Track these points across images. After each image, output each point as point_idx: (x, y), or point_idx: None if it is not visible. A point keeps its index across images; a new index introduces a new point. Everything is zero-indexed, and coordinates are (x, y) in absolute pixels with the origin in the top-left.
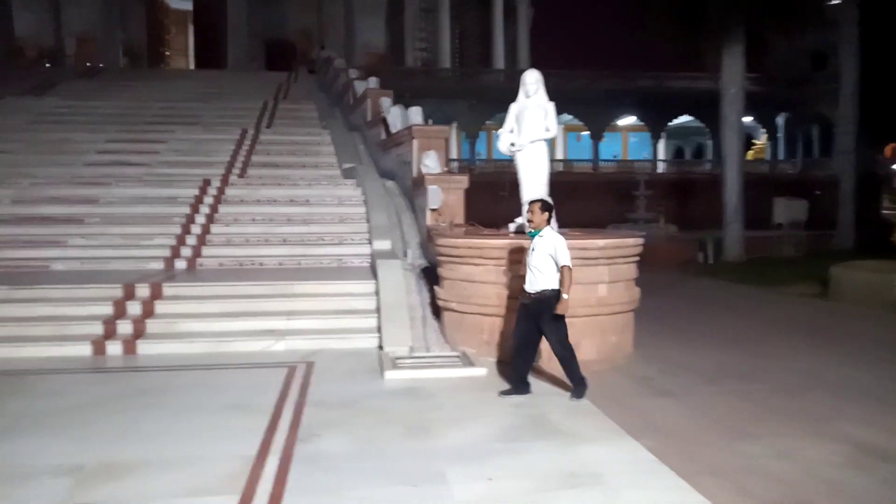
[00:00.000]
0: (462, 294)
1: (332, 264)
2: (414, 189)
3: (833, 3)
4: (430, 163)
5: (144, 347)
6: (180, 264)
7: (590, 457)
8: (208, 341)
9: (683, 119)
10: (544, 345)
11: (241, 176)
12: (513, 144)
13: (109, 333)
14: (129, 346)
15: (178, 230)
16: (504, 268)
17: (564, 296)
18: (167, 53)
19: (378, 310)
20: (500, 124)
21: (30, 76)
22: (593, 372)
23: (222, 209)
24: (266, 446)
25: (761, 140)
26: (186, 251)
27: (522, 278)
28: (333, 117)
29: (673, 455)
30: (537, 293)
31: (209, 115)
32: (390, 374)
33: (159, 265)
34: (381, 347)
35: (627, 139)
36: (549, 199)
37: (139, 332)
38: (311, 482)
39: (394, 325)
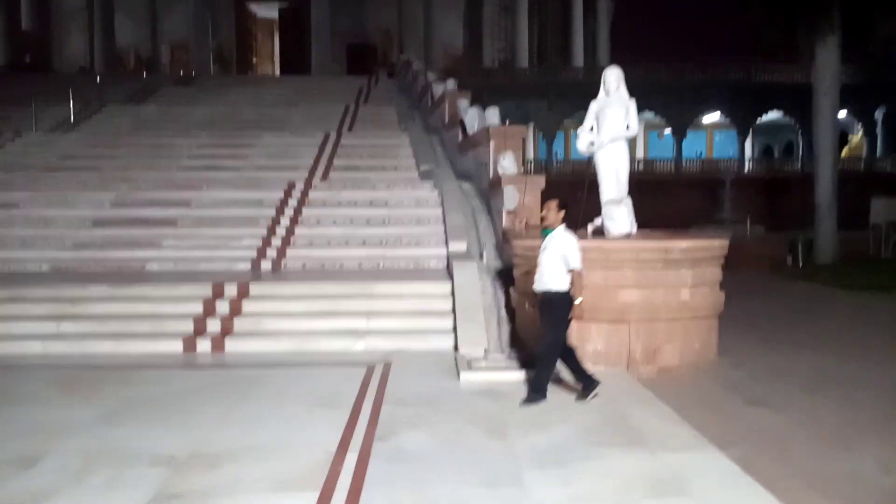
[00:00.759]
0: None
1: (409, 265)
2: (490, 190)
3: None
4: (507, 164)
5: (232, 345)
6: (266, 265)
7: (674, 465)
8: (292, 340)
9: (772, 115)
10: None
11: (323, 179)
12: (592, 143)
13: (199, 331)
14: (218, 343)
15: (264, 232)
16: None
17: (578, 300)
18: (255, 59)
19: (454, 311)
20: (579, 123)
21: (129, 84)
22: (677, 378)
23: (306, 211)
24: (346, 442)
25: (857, 135)
26: (272, 252)
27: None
28: (412, 120)
29: (766, 467)
30: (542, 293)
31: (295, 119)
32: (466, 375)
33: (246, 265)
34: (456, 348)
35: (713, 137)
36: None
37: (227, 330)
38: (388, 478)
39: (469, 327)
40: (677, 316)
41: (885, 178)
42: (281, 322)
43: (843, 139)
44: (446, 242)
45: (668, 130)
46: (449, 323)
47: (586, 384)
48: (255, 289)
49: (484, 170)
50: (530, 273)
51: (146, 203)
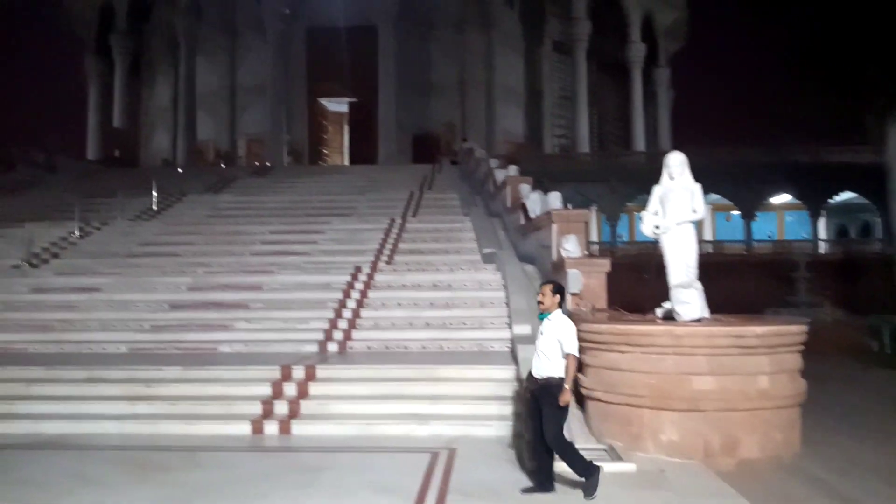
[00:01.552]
0: (608, 383)
1: (472, 348)
2: (554, 273)
3: None
4: (570, 247)
5: (298, 428)
6: (332, 347)
7: None
8: (357, 423)
9: (846, 196)
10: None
11: (388, 262)
12: (657, 227)
13: (267, 413)
14: (285, 426)
15: (331, 314)
16: (654, 356)
17: (566, 386)
18: (325, 151)
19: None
20: (642, 206)
21: (208, 175)
22: (758, 472)
23: (371, 294)
24: None
25: None
26: (338, 334)
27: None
28: (474, 205)
29: None
30: (543, 379)
31: (362, 206)
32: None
33: (314, 348)
34: (520, 436)
35: (783, 218)
36: (561, 282)
37: (294, 413)
38: None
39: None
40: (756, 405)
41: None
42: (346, 405)
43: None
44: (510, 325)
45: (735, 212)
46: (513, 408)
47: (540, 483)
48: (321, 371)
49: (546, 253)
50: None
51: (220, 287)
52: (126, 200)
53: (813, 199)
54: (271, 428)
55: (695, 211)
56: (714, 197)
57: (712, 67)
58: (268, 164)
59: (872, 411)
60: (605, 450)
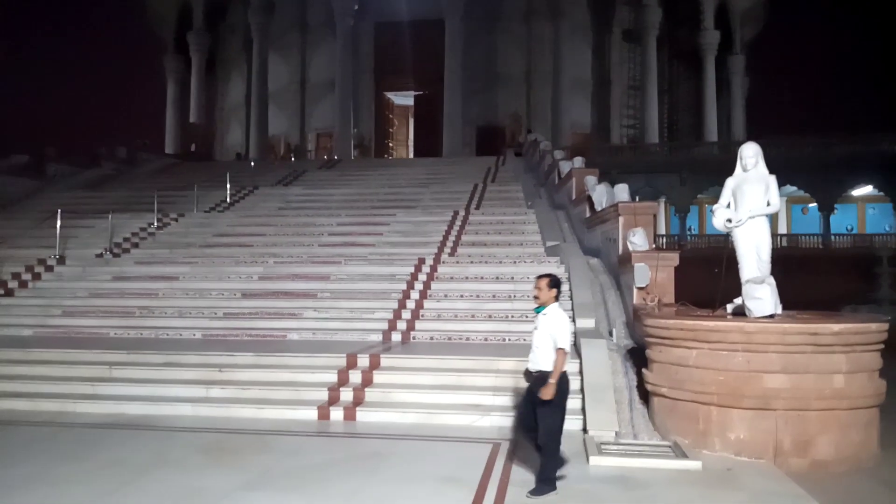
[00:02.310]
0: (674, 379)
1: None
2: (620, 267)
3: None
4: (637, 240)
5: (362, 415)
6: (396, 337)
7: None
8: (419, 412)
9: None
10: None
11: (451, 254)
12: (729, 220)
13: (333, 400)
14: (350, 412)
15: (395, 305)
16: (724, 352)
17: (551, 380)
18: (391, 144)
19: (582, 390)
20: (714, 198)
21: (279, 169)
22: (832, 474)
23: (434, 286)
24: None
25: None
26: (402, 325)
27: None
28: (539, 197)
29: None
30: (537, 373)
31: (426, 198)
32: (596, 460)
33: (378, 337)
34: (585, 430)
35: (864, 210)
36: (558, 276)
37: (359, 400)
38: None
39: (599, 408)
40: (831, 405)
41: None
42: (409, 394)
43: None
44: (573, 319)
45: (812, 204)
46: (577, 403)
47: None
48: (385, 360)
49: (613, 246)
50: (663, 352)
51: (290, 277)
52: (202, 193)
53: None
54: (337, 414)
55: (769, 204)
56: (790, 189)
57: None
58: (336, 157)
59: None
60: (669, 446)
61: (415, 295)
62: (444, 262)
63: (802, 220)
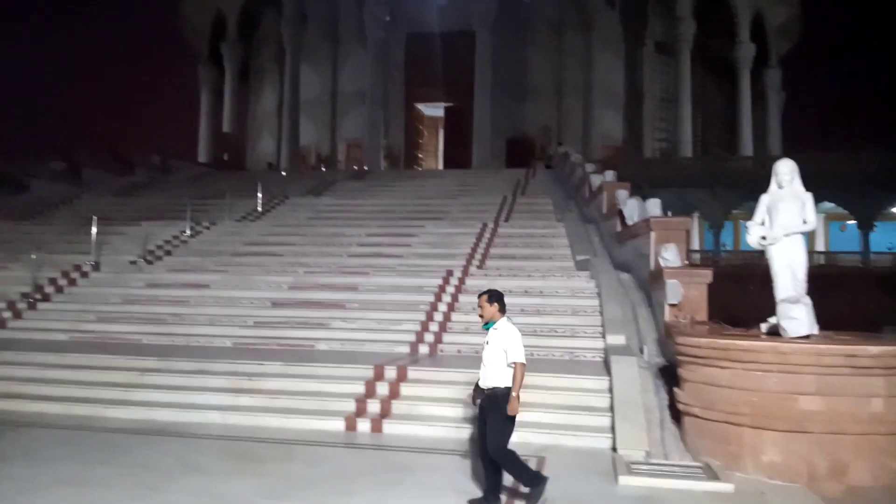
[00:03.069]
0: (706, 399)
1: (563, 357)
2: (651, 283)
3: None
4: (669, 256)
5: (389, 427)
6: (423, 349)
7: None
8: (446, 426)
9: None
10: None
11: (479, 267)
12: (764, 238)
13: (360, 411)
14: (376, 424)
15: (422, 317)
16: (757, 373)
17: (513, 394)
18: (420, 155)
19: (612, 408)
20: (748, 213)
21: (310, 178)
22: (868, 500)
23: (462, 298)
24: None
25: None
26: (429, 337)
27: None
28: (569, 210)
29: None
30: (489, 390)
31: (455, 210)
32: (625, 480)
33: (405, 349)
34: (614, 449)
35: None
36: (499, 290)
37: (385, 412)
38: None
39: (629, 427)
40: (868, 429)
41: None
42: (435, 407)
43: None
44: (603, 335)
45: (851, 221)
46: (606, 421)
47: (486, 496)
48: (412, 373)
49: (644, 261)
50: (695, 371)
51: (319, 287)
52: (233, 202)
53: None
54: (363, 426)
55: (805, 221)
56: (827, 205)
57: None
58: (365, 167)
59: None
60: (700, 468)
61: (442, 307)
62: (472, 275)
63: (841, 237)
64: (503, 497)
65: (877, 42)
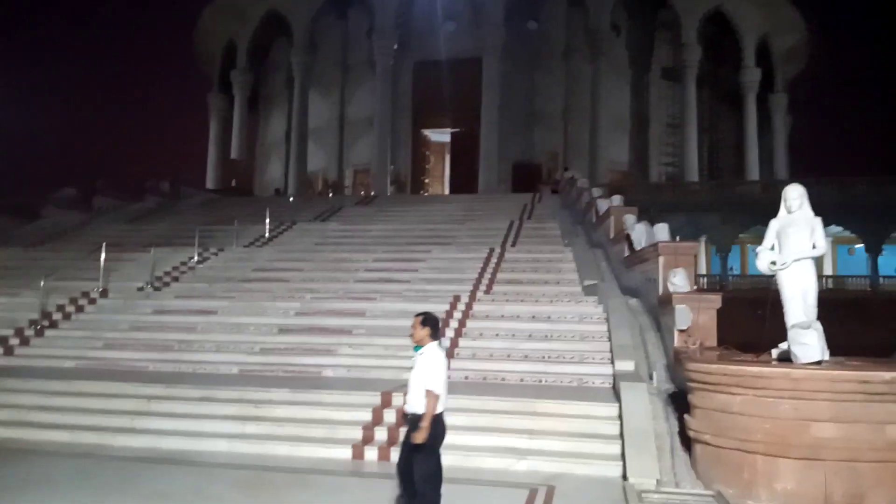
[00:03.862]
0: (717, 426)
1: (572, 383)
2: (660, 308)
3: None
4: (678, 281)
5: (396, 455)
6: None
7: None
8: (454, 454)
9: None
10: None
11: (487, 292)
12: (774, 263)
13: (368, 439)
14: (384, 452)
15: None
16: (770, 399)
17: (422, 424)
18: (427, 181)
19: (622, 435)
20: (756, 237)
21: (317, 204)
22: None
23: (469, 324)
24: None
25: None
26: None
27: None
28: (576, 235)
29: None
30: (412, 415)
31: (461, 235)
32: None
33: None
34: (625, 477)
35: None
36: (434, 314)
37: (393, 440)
38: None
39: (639, 454)
40: (885, 457)
41: None
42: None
43: None
44: (612, 361)
45: (859, 245)
46: (616, 448)
47: None
48: None
49: (652, 286)
50: (706, 398)
51: (326, 312)
52: (241, 228)
53: None
54: (371, 454)
55: (815, 246)
56: (836, 229)
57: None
58: (372, 193)
59: None
60: (713, 496)
61: (450, 333)
62: (479, 300)
63: (849, 261)
64: None
65: (883, 69)
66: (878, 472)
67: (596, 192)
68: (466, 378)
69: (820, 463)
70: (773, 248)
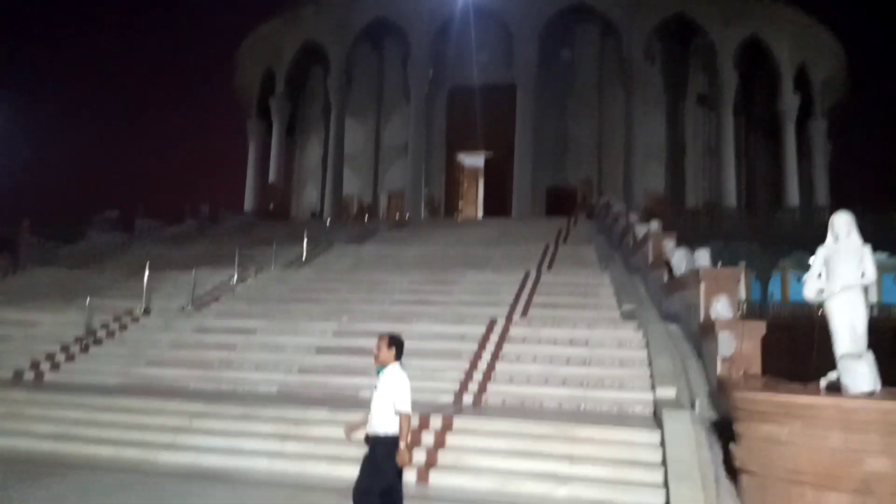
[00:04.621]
0: (765, 456)
1: (611, 409)
2: (701, 335)
3: None
4: (721, 307)
5: (435, 478)
6: (468, 398)
7: None
8: (494, 478)
9: None
10: None
11: (523, 315)
12: (821, 291)
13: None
14: (423, 474)
15: (466, 366)
16: (819, 430)
17: (401, 445)
18: (460, 204)
19: (664, 463)
20: (796, 264)
21: (352, 227)
22: None
23: (506, 347)
24: None
25: None
26: (473, 386)
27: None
28: (612, 260)
29: None
30: (372, 436)
31: (496, 258)
32: None
33: (449, 398)
34: None
35: None
36: (401, 336)
37: (431, 463)
38: None
39: (683, 484)
40: None
41: None
42: (482, 459)
43: None
44: (653, 387)
45: None
46: (658, 476)
47: None
48: (458, 422)
49: (693, 313)
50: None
51: (362, 333)
52: (279, 250)
53: None
54: (409, 476)
55: (864, 274)
56: (881, 257)
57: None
58: (407, 216)
59: None
60: None
61: (486, 356)
62: (515, 324)
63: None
64: None
65: None
66: None
67: (633, 216)
68: (504, 402)
69: (873, 498)
70: (820, 276)
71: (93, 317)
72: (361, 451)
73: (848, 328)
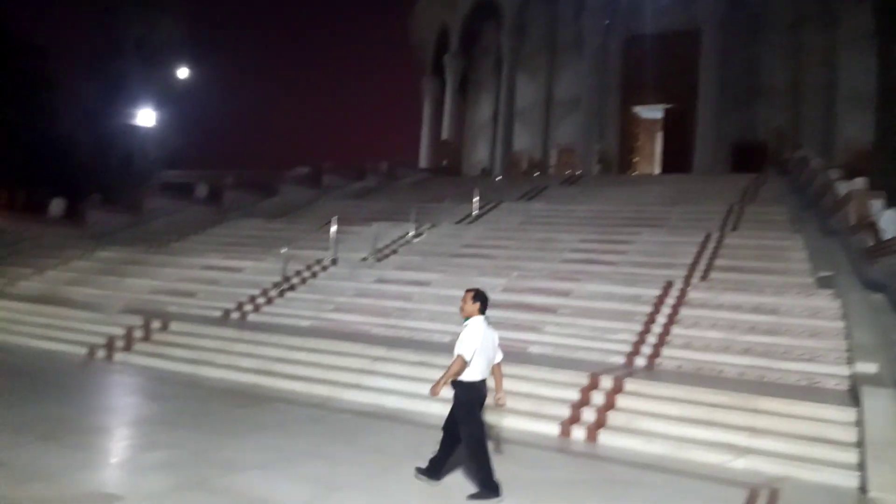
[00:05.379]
0: None
1: (800, 382)
2: None
3: None
4: None
5: (604, 437)
6: (639, 361)
7: None
8: (665, 444)
9: None
10: None
11: (703, 279)
12: None
13: (575, 418)
14: (592, 433)
15: (639, 328)
16: None
17: (440, 379)
18: (635, 160)
19: (860, 444)
20: None
21: (522, 184)
22: None
23: (683, 311)
24: None
25: None
26: (646, 349)
27: None
28: (807, 221)
29: None
30: (456, 383)
31: (673, 217)
32: None
33: (620, 360)
34: (862, 489)
35: None
36: (485, 291)
37: (601, 422)
38: None
39: (882, 467)
40: None
41: None
42: (653, 423)
43: None
44: (850, 361)
45: None
46: (852, 457)
47: (480, 490)
48: (629, 385)
49: None
50: None
51: (531, 290)
52: (451, 205)
53: None
54: (578, 433)
55: None
56: None
57: None
58: (578, 172)
59: None
60: None
61: (661, 319)
62: (694, 287)
63: None
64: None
65: None
66: None
67: (833, 173)
68: (679, 367)
69: None
70: None
71: (287, 265)
72: (530, 404)
73: None
